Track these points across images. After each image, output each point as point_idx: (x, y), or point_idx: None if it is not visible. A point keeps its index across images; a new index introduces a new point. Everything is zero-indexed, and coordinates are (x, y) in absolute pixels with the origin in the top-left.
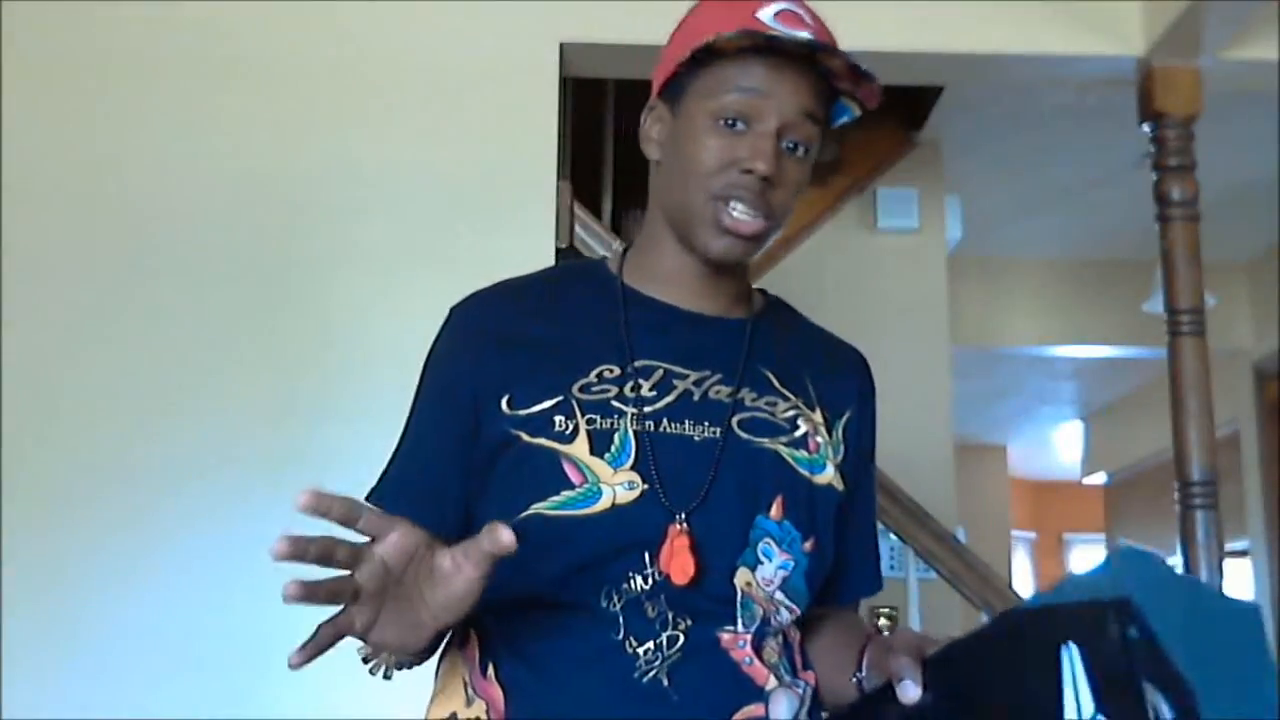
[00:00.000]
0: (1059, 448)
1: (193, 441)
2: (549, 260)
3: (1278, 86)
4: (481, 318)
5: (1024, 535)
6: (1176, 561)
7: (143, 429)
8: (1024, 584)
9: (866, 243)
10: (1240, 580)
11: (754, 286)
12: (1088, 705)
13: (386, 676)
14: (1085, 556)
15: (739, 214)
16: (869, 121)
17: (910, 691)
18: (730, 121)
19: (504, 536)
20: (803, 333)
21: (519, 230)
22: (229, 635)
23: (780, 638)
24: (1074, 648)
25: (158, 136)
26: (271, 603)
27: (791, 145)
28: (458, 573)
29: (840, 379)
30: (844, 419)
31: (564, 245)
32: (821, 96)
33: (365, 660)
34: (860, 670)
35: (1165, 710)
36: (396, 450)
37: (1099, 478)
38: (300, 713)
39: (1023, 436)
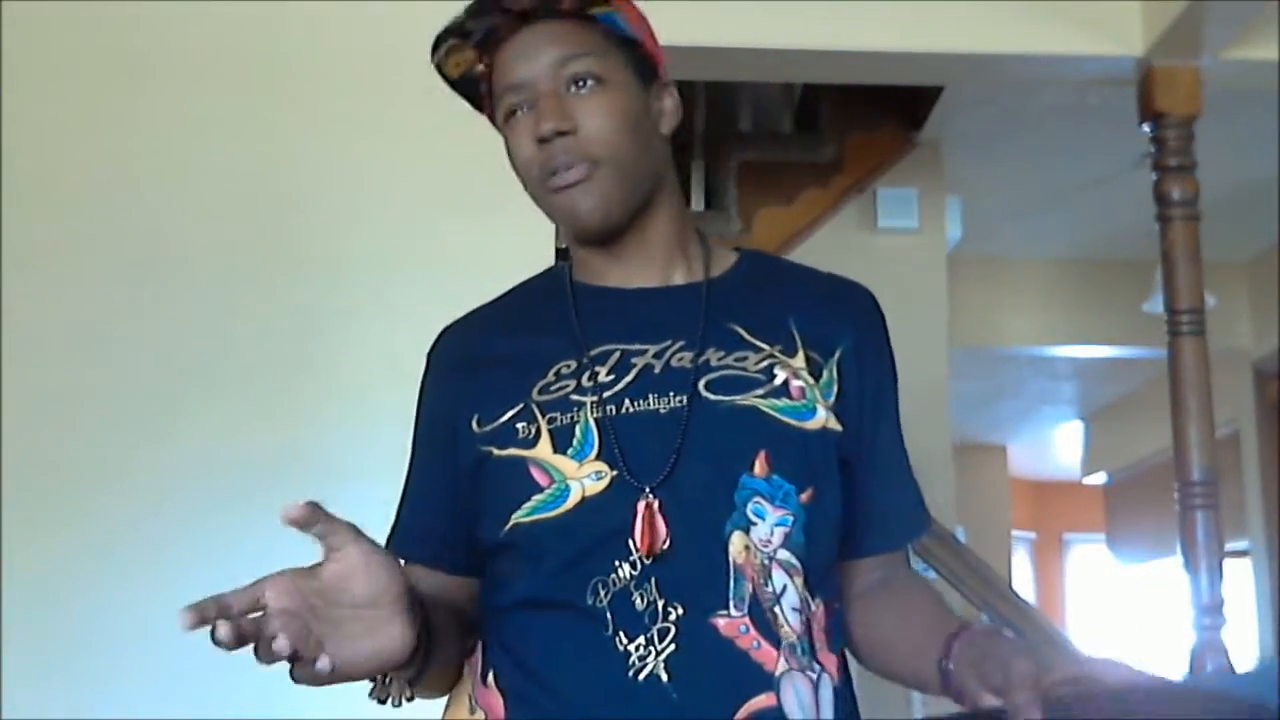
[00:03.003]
0: (1059, 448)
1: (191, 442)
2: (548, 260)
3: (1278, 86)
4: (451, 348)
5: (1024, 535)
6: (1176, 561)
7: (141, 429)
8: (1024, 584)
9: (866, 243)
10: (1240, 580)
11: (736, 248)
12: None
13: (396, 704)
14: (1084, 556)
15: (559, 178)
16: (869, 121)
17: None
18: (516, 110)
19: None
20: (791, 279)
21: (519, 230)
22: None
23: (800, 615)
24: None
25: (156, 137)
26: None
27: (576, 83)
28: (344, 564)
29: (833, 316)
30: (836, 356)
31: (564, 245)
32: (571, 30)
33: (374, 697)
34: (949, 660)
35: None
36: (402, 495)
37: (1099, 478)
38: (301, 713)
39: (1023, 436)
